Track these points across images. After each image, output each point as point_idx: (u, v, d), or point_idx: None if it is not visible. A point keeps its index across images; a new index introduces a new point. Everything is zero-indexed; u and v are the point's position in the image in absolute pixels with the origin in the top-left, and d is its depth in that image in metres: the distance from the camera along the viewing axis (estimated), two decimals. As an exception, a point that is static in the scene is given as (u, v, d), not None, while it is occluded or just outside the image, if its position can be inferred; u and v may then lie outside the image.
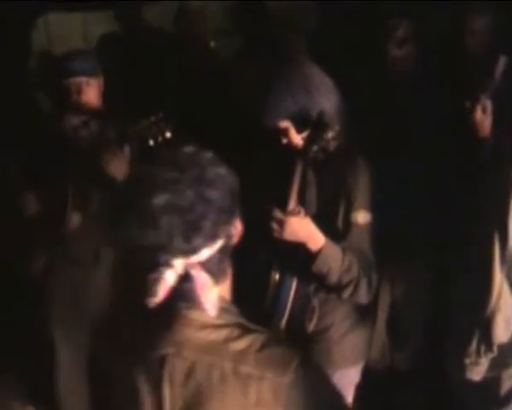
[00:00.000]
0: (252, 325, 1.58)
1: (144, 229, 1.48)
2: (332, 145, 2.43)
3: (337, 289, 2.54)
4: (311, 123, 2.44)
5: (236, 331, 1.56)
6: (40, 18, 5.58)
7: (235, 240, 1.62)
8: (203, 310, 1.54)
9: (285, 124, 2.50)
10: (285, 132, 2.50)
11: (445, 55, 3.65)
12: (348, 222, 2.54)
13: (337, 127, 2.42)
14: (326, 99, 2.51)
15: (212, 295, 1.53)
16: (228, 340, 1.55)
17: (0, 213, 3.44)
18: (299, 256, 2.51)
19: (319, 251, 2.45)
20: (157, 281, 1.50)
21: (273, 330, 1.59)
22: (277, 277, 2.57)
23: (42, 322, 3.38)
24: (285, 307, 2.57)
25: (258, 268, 2.61)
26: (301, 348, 1.56)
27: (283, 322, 2.59)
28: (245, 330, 1.56)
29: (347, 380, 2.74)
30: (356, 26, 3.99)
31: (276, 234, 2.44)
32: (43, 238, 3.31)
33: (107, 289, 3.19)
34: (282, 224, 2.42)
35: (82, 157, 3.30)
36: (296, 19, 4.45)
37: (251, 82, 3.20)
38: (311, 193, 2.54)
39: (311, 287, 2.61)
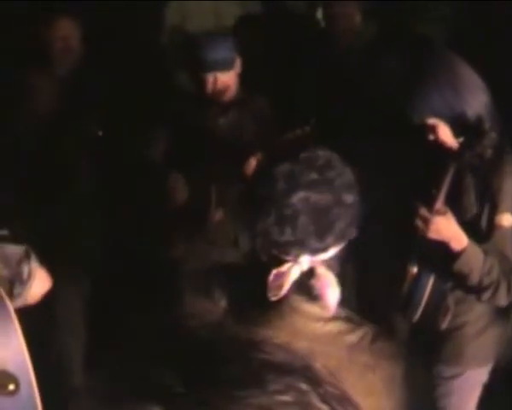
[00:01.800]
0: (359, 319, 1.63)
1: (282, 225, 1.54)
2: (488, 153, 2.43)
3: (477, 290, 2.55)
4: (468, 128, 2.45)
5: (348, 325, 1.60)
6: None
7: None
8: (325, 307, 1.58)
9: (432, 121, 2.52)
10: (433, 130, 2.52)
11: None
12: (492, 224, 2.54)
13: (494, 134, 2.42)
14: (475, 99, 2.51)
15: (336, 292, 1.58)
16: (342, 332, 1.60)
17: (146, 201, 3.57)
18: (438, 253, 2.54)
19: (462, 251, 2.47)
20: (284, 275, 1.55)
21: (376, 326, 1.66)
22: (415, 271, 2.61)
23: (176, 300, 3.49)
24: (420, 301, 2.61)
25: (396, 260, 2.67)
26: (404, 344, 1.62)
27: (417, 316, 2.63)
28: (356, 324, 1.61)
29: (476, 380, 2.75)
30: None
31: (420, 232, 2.48)
32: (186, 229, 3.41)
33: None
34: (427, 222, 2.46)
35: (222, 152, 3.33)
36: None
37: (392, 74, 3.20)
38: (469, 199, 2.55)
39: (448, 285, 2.63)
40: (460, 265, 2.49)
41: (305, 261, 1.56)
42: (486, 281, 2.51)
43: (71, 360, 3.61)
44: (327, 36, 4.16)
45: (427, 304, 2.60)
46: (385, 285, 2.76)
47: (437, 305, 2.63)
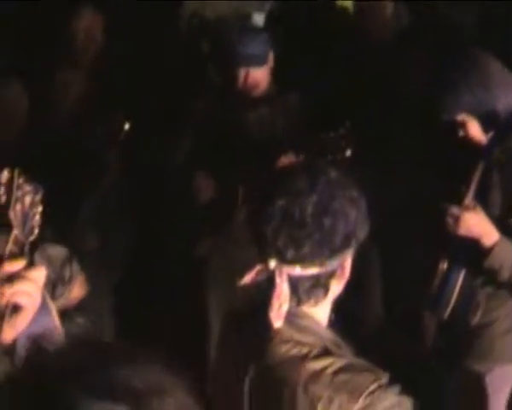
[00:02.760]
0: (338, 351, 1.58)
1: (261, 220, 1.57)
2: None
3: (508, 286, 2.55)
4: (497, 123, 2.44)
5: (316, 351, 1.56)
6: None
7: (338, 284, 1.63)
8: (270, 315, 1.57)
9: (462, 117, 2.51)
10: (463, 126, 2.52)
11: None
12: None
13: None
14: (505, 95, 2.51)
15: (283, 308, 1.56)
16: (306, 358, 1.56)
17: (173, 198, 3.55)
18: (468, 249, 2.54)
19: (492, 247, 2.46)
20: (253, 267, 1.59)
21: (359, 359, 1.59)
22: (445, 267, 2.61)
23: (199, 295, 3.50)
24: (450, 297, 2.61)
25: (426, 256, 2.67)
26: (384, 377, 1.53)
27: (447, 312, 2.63)
28: (326, 352, 1.56)
29: (506, 377, 2.74)
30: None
31: (450, 229, 2.48)
32: (212, 226, 3.37)
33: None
34: (457, 219, 2.45)
35: (251, 147, 3.21)
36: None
37: (419, 69, 3.17)
38: (496, 196, 2.54)
39: (479, 281, 2.63)
40: (490, 260, 2.48)
41: (272, 264, 1.56)
42: (517, 277, 2.51)
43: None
44: (359, 29, 4.06)
45: (458, 300, 2.60)
46: (415, 282, 2.76)
47: (468, 301, 2.63)
